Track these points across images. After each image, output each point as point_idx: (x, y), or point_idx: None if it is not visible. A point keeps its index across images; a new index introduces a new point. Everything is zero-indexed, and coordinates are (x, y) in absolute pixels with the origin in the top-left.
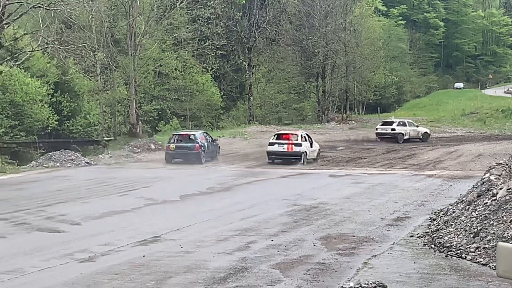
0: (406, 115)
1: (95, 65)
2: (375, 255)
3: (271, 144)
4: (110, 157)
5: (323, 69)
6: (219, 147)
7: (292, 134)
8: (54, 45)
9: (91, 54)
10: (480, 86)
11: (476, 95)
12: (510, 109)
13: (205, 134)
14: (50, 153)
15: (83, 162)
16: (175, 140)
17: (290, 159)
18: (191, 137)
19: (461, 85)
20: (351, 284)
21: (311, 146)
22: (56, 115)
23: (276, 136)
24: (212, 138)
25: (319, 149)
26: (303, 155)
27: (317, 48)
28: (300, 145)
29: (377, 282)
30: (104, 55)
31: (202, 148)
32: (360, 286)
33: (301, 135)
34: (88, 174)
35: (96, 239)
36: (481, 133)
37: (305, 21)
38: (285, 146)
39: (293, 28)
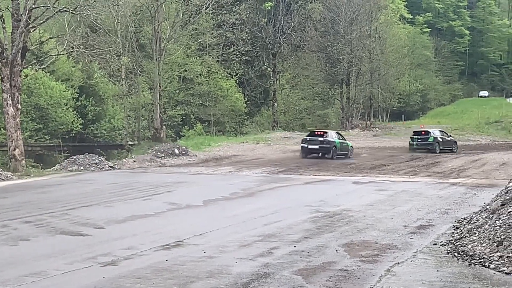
0: (430, 123)
1: (120, 70)
2: (398, 263)
3: None
4: (134, 161)
5: (348, 76)
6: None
7: None
8: (80, 49)
9: (116, 58)
10: (505, 95)
11: (501, 103)
12: None
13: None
14: (74, 157)
15: (107, 166)
16: None
17: None
18: None
19: (486, 93)
20: None
21: None
22: (80, 119)
23: None
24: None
25: None
26: None
27: (342, 54)
28: None
29: None
30: (129, 59)
31: None
32: None
33: None
34: (111, 178)
35: (119, 243)
36: (506, 142)
37: (330, 27)
38: None
39: (318, 34)
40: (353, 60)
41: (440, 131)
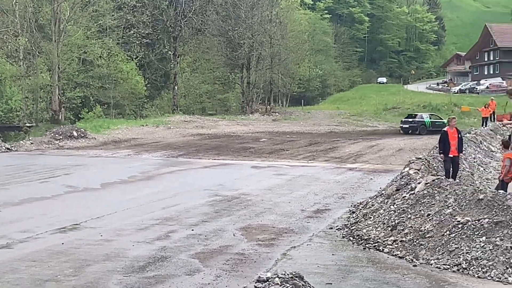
0: (329, 108)
1: (18, 50)
2: (294, 247)
3: None
4: (31, 143)
5: (248, 61)
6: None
7: None
8: None
9: (14, 39)
10: (403, 82)
11: (398, 90)
12: (431, 105)
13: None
14: None
15: (4, 148)
16: None
17: None
18: None
19: (384, 80)
20: (269, 275)
21: None
22: None
23: None
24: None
25: None
26: None
27: (243, 39)
28: None
29: (294, 273)
30: (27, 40)
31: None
32: (278, 277)
33: None
34: (8, 160)
35: (15, 226)
36: None
37: (232, 12)
38: None
39: (219, 18)
40: (254, 44)
41: None
